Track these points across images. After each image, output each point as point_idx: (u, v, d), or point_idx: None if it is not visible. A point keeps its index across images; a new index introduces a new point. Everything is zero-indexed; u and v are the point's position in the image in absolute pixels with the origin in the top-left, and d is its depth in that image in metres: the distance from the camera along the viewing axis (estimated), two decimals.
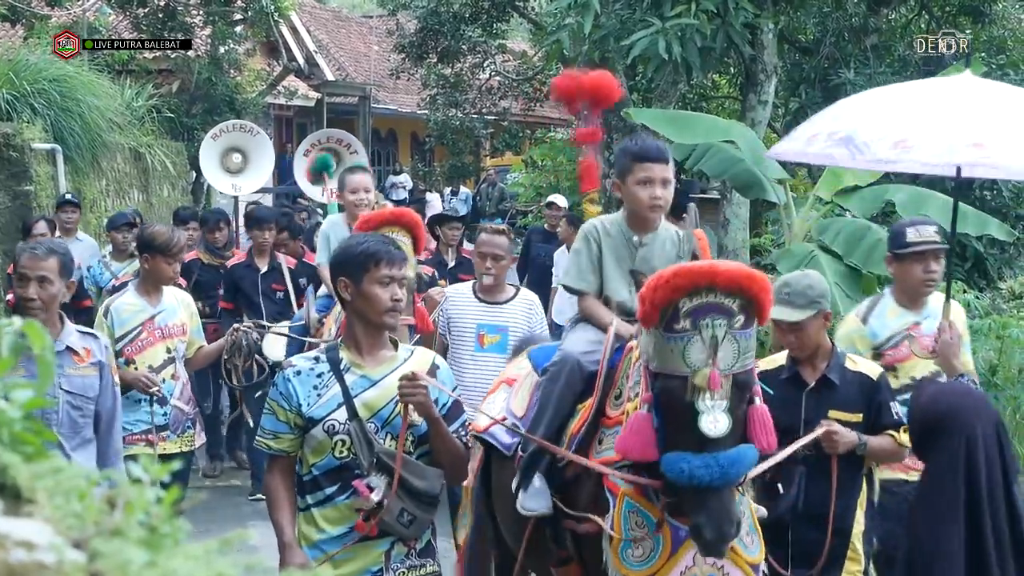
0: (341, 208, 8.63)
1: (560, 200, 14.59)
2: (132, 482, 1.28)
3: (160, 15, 18.36)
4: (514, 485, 4.66)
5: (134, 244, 8.87)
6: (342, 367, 4.13)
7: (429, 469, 4.15)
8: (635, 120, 11.86)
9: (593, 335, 4.75)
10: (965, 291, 10.54)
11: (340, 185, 8.48)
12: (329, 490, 4.11)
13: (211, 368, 8.65)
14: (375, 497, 4.01)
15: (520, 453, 4.76)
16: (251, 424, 8.57)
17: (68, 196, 11.06)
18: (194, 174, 18.56)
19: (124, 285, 7.86)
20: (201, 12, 18.71)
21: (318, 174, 11.70)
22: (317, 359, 4.18)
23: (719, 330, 3.72)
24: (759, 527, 4.34)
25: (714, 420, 3.72)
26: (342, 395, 4.09)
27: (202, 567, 1.15)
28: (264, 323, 8.01)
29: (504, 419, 4.94)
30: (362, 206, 7.86)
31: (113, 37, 18.42)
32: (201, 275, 10.08)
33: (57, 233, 10.46)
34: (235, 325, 7.50)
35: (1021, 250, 13.41)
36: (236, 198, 15.16)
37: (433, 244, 9.91)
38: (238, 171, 14.32)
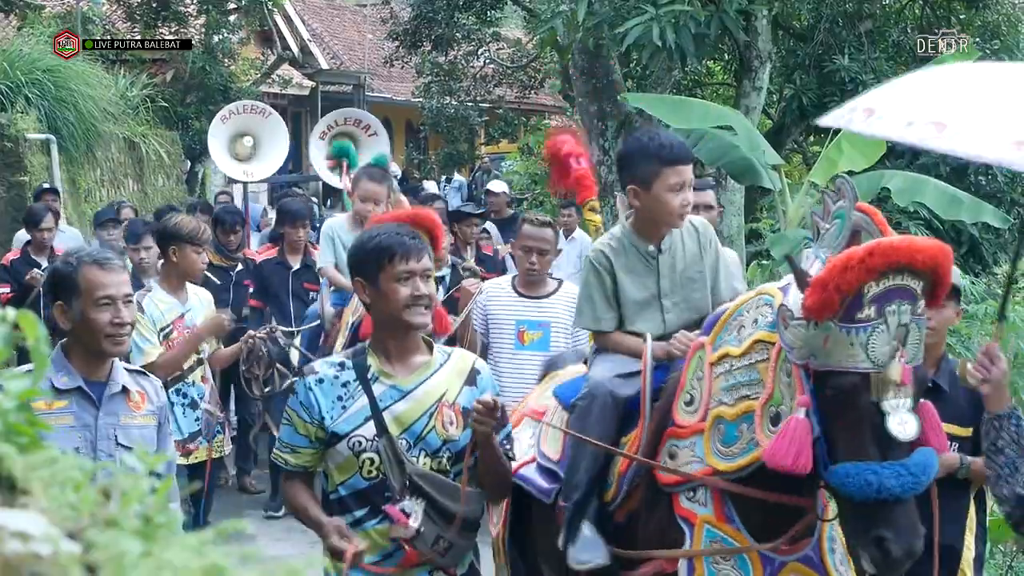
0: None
1: (496, 186, 14.41)
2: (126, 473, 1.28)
3: (154, 4, 18.33)
4: (560, 540, 4.19)
5: (123, 241, 8.59)
6: (369, 376, 3.69)
7: (471, 492, 3.71)
8: (631, 104, 11.86)
9: (622, 359, 4.30)
10: (961, 277, 10.55)
11: (354, 183, 7.86)
12: (359, 513, 3.68)
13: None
14: (414, 524, 3.61)
15: (561, 502, 4.26)
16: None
17: (46, 184, 10.85)
18: (188, 163, 18.53)
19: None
20: (195, 1, 18.67)
21: (337, 160, 11.01)
22: (342, 365, 3.73)
23: (905, 317, 3.28)
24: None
25: (902, 421, 3.30)
26: (369, 408, 3.66)
27: (197, 557, 1.16)
28: (279, 330, 7.55)
29: (533, 461, 4.51)
30: (367, 217, 7.19)
31: (107, 26, 18.41)
32: (217, 282, 9.07)
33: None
34: (249, 332, 7.11)
35: (1016, 235, 13.42)
36: (246, 185, 14.04)
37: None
38: (248, 156, 13.26)
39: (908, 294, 3.27)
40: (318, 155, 12.63)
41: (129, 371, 4.17)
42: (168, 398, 5.96)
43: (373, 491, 3.66)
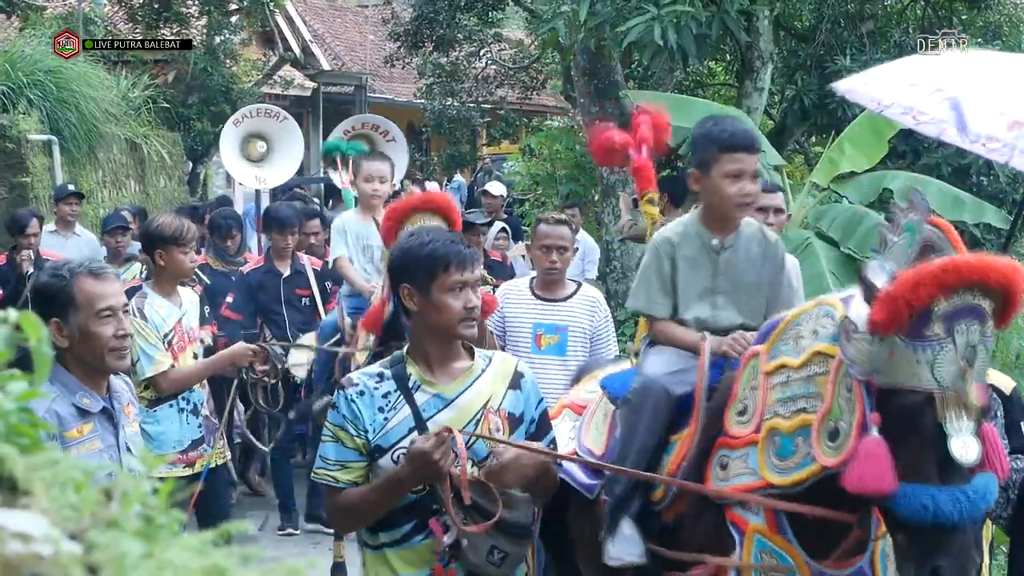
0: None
1: (494, 188, 14.35)
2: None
3: (155, 5, 18.32)
4: (602, 533, 4.14)
5: (130, 248, 8.39)
6: (411, 385, 3.56)
7: (519, 496, 3.56)
8: (634, 101, 11.85)
9: (676, 354, 4.22)
10: None
11: (354, 171, 7.73)
12: (406, 527, 3.55)
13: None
14: (447, 539, 3.46)
15: (604, 497, 4.21)
16: (265, 442, 7.88)
17: (71, 187, 10.69)
18: (190, 164, 18.53)
19: (133, 290, 7.25)
20: (196, 2, 18.66)
21: (330, 158, 10.46)
22: (381, 376, 3.58)
23: (974, 336, 3.15)
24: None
25: (964, 444, 3.16)
26: (413, 419, 3.52)
27: (198, 558, 1.16)
28: (275, 345, 7.19)
29: (573, 454, 4.40)
30: (377, 198, 7.21)
31: (108, 27, 18.41)
32: (211, 282, 8.80)
33: (51, 227, 10.21)
34: (258, 344, 6.61)
35: (1018, 236, 13.40)
36: (258, 190, 13.48)
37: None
38: (260, 159, 12.75)
39: (978, 313, 3.16)
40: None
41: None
42: (177, 404, 5.97)
43: (421, 503, 3.52)
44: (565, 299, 6.41)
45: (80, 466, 1.28)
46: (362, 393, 3.54)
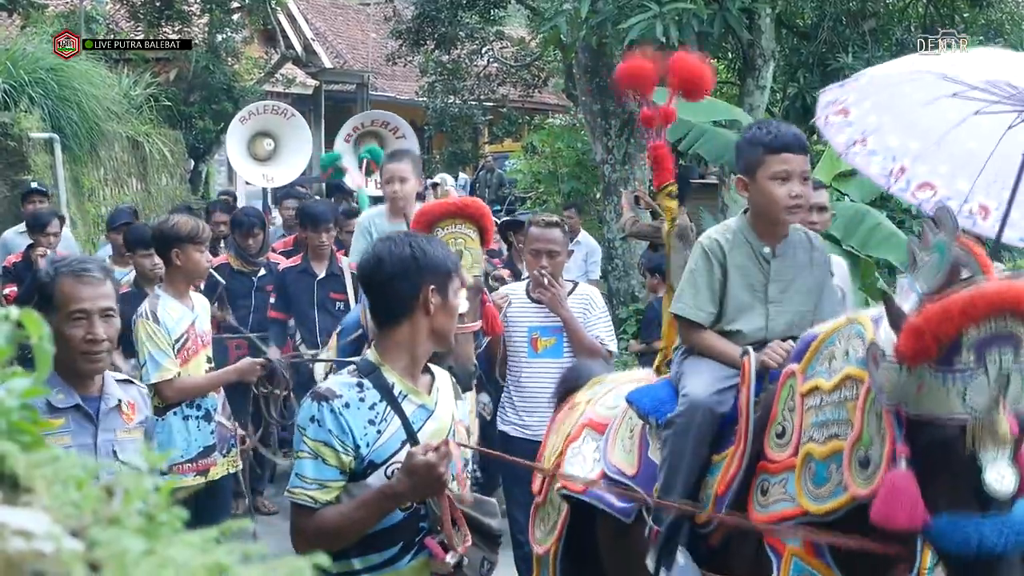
0: (376, 200, 7.62)
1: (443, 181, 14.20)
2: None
3: (157, 3, 18.32)
4: (650, 563, 3.98)
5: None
6: (397, 395, 3.34)
7: (492, 502, 3.49)
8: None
9: (717, 369, 4.03)
10: None
11: (381, 172, 7.40)
12: (389, 552, 3.31)
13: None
14: (451, 559, 3.26)
15: (654, 525, 4.03)
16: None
17: (35, 184, 10.50)
18: (192, 162, 18.54)
19: (136, 293, 7.12)
20: (198, 0, 18.67)
21: (333, 169, 10.26)
22: (360, 385, 3.33)
23: (1008, 364, 3.02)
24: None
25: (1000, 475, 3.03)
26: (404, 431, 3.30)
27: (199, 555, 1.16)
28: (303, 356, 6.98)
29: (602, 476, 4.27)
30: (399, 199, 6.83)
31: (110, 25, 18.42)
32: (231, 284, 8.43)
33: (21, 227, 9.85)
34: (265, 359, 6.37)
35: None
36: (267, 189, 13.02)
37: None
38: (268, 157, 12.55)
39: (1011, 340, 3.02)
40: (344, 158, 11.91)
41: (118, 381, 3.92)
42: (182, 411, 5.79)
43: (407, 524, 3.31)
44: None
45: (82, 463, 1.28)
46: (347, 405, 3.28)
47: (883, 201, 10.95)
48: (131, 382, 4.03)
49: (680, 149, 10.35)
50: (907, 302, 3.19)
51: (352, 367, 3.46)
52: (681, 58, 4.71)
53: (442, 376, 3.55)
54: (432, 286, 3.35)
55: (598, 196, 14.82)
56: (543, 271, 6.18)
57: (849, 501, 3.38)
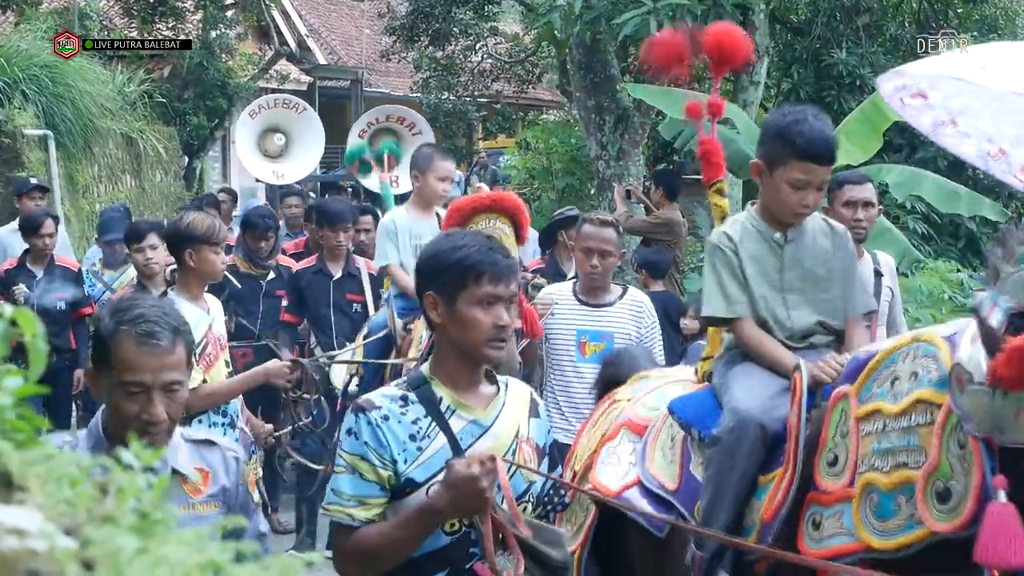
0: (400, 198, 7.34)
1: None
2: (123, 468, 1.28)
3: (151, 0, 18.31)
4: None
5: (127, 252, 7.61)
6: (444, 410, 3.10)
7: (558, 531, 3.22)
8: (633, 94, 11.86)
9: (770, 381, 3.77)
10: (959, 270, 10.58)
11: (419, 165, 6.93)
12: None
13: None
14: None
15: (697, 552, 3.78)
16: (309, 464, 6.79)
17: (34, 181, 10.27)
18: (186, 159, 18.53)
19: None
20: None
21: (359, 162, 9.89)
22: (405, 399, 3.10)
23: None
24: None
25: None
26: (450, 448, 3.05)
27: (194, 553, 1.16)
28: (319, 359, 6.81)
29: (637, 482, 4.07)
30: (443, 198, 6.62)
31: (103, 22, 18.40)
32: (238, 287, 8.06)
33: (14, 225, 9.63)
34: (294, 359, 6.10)
35: (1015, 229, 13.42)
36: (274, 185, 12.71)
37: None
38: (279, 154, 12.12)
39: None
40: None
41: (195, 442, 3.19)
42: (208, 419, 5.39)
43: (455, 548, 3.05)
44: (610, 304, 6.04)
45: (75, 461, 1.27)
46: (387, 417, 3.05)
47: (878, 196, 10.96)
48: (214, 443, 3.25)
49: (676, 146, 10.37)
50: (991, 319, 2.92)
51: (401, 380, 3.28)
52: (716, 29, 4.53)
53: (516, 389, 3.29)
54: (431, 294, 3.12)
55: (592, 192, 14.82)
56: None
57: (926, 536, 3.09)
